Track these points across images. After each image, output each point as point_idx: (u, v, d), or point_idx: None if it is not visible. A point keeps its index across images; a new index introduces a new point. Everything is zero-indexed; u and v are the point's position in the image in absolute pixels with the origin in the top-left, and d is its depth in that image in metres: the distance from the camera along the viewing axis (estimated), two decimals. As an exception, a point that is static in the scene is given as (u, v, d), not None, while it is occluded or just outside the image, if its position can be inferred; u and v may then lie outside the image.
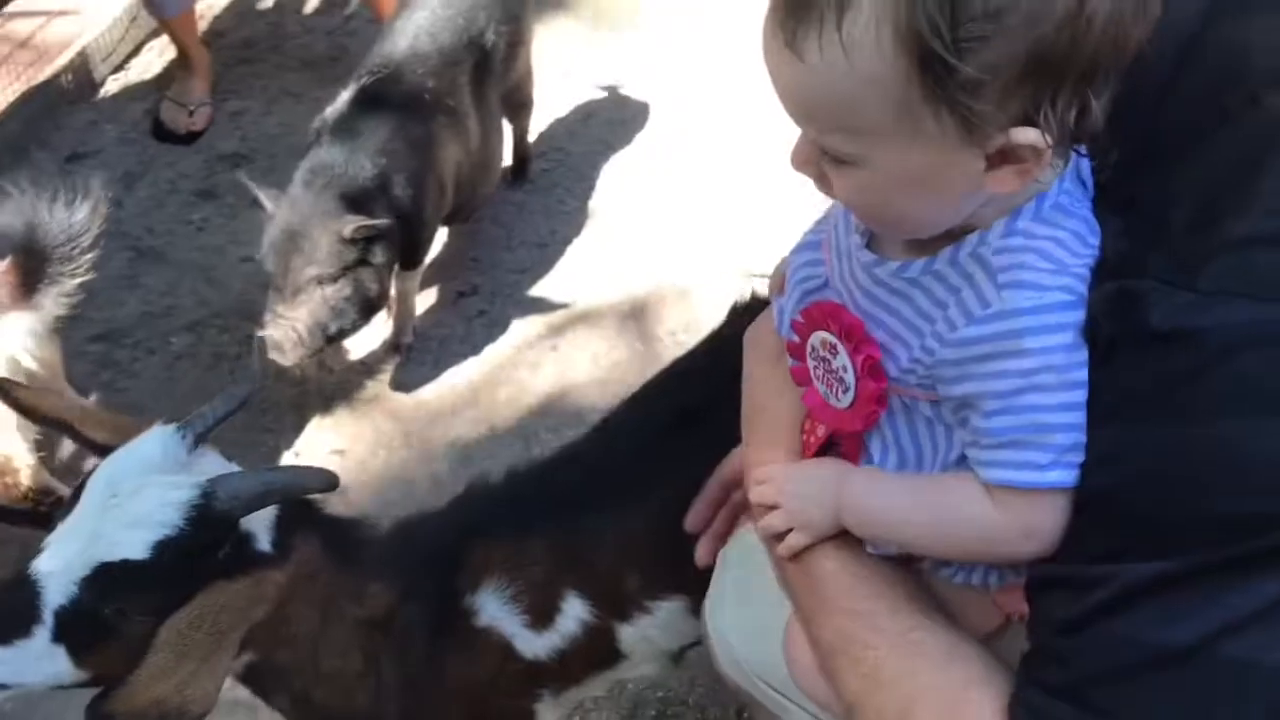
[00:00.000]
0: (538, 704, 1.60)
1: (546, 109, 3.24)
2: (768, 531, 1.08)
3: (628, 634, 1.56)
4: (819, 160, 0.87)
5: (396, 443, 2.55)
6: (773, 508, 1.07)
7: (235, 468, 1.27)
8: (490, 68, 2.74)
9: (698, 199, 2.99)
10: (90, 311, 2.88)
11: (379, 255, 2.37)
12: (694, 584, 1.45)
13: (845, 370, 0.97)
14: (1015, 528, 0.90)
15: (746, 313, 1.57)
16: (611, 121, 3.26)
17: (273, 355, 2.35)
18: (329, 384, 2.67)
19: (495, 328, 2.79)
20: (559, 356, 2.71)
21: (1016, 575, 0.99)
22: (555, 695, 1.61)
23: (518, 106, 3.00)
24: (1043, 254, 0.85)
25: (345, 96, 2.53)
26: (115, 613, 1.17)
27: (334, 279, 2.31)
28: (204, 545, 1.17)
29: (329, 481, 1.22)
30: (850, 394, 0.98)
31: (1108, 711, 0.81)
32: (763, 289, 1.33)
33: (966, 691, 0.92)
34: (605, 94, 3.32)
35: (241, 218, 3.12)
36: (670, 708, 2.08)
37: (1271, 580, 0.75)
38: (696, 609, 1.50)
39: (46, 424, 1.36)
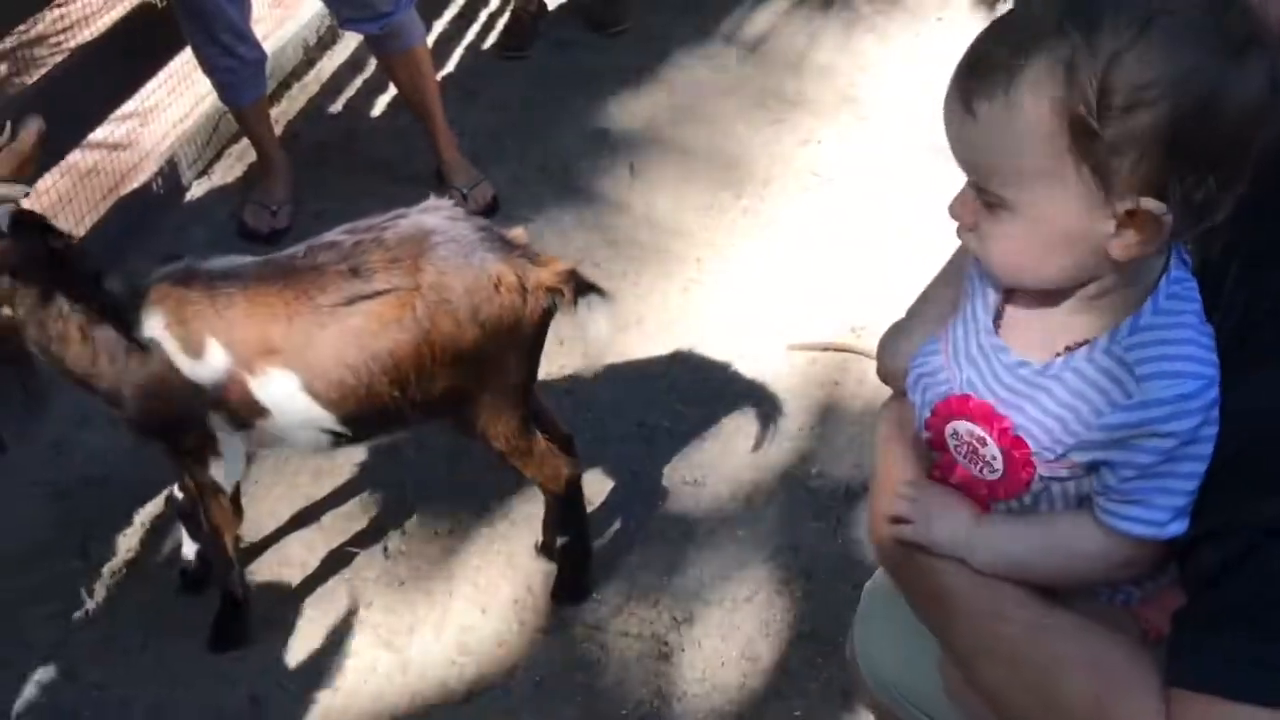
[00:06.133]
0: (208, 422, 2.09)
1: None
2: (899, 537, 1.14)
3: (256, 387, 2.02)
4: (976, 210, 0.99)
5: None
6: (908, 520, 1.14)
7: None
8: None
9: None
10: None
11: None
12: (307, 369, 1.99)
13: (995, 458, 1.06)
14: (1119, 560, 1.01)
15: None
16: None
17: None
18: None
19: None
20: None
21: (1155, 585, 1.07)
22: (232, 425, 2.10)
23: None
24: (1171, 343, 0.95)
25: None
26: None
27: None
28: None
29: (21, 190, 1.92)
30: (999, 472, 1.07)
31: (1264, 633, 0.88)
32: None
33: (1112, 650, 1.00)
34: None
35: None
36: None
37: None
38: (309, 389, 2.01)
39: None
